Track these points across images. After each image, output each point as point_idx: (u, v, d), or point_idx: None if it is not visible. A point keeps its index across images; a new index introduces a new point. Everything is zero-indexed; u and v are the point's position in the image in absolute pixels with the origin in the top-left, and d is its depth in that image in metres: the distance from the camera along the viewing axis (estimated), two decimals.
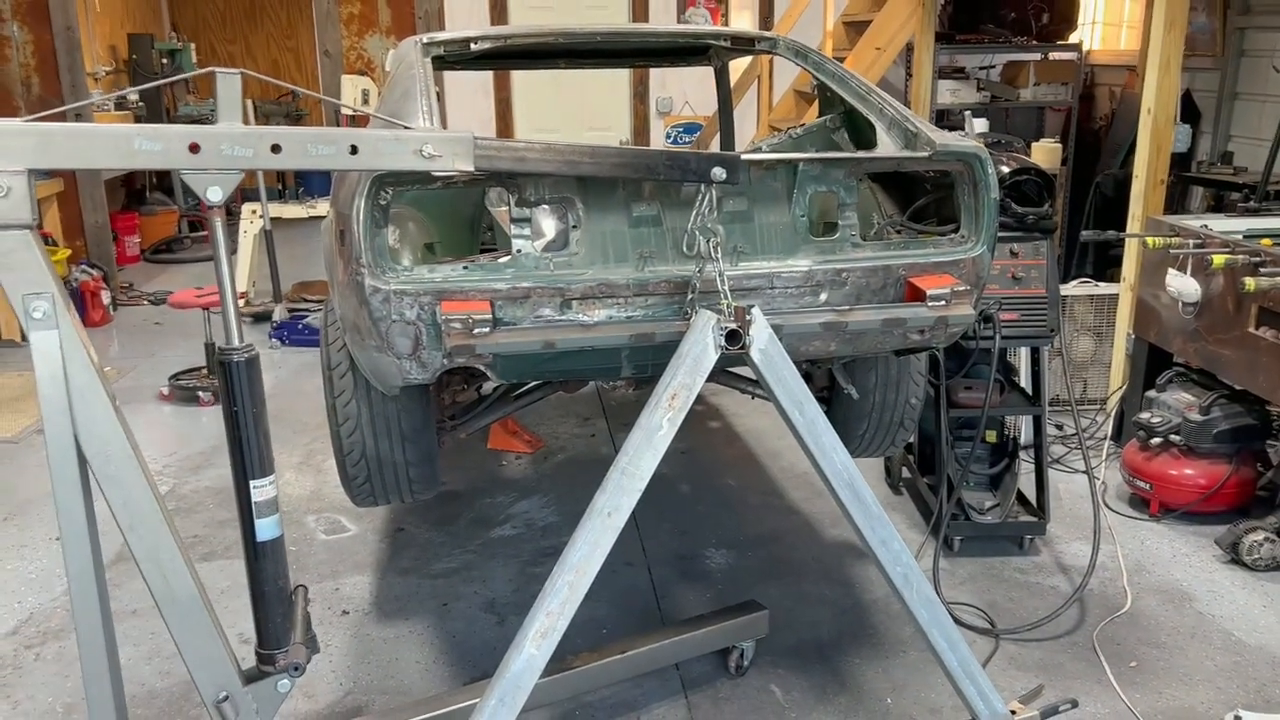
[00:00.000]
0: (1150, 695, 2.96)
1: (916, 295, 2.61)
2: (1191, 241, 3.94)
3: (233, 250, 7.43)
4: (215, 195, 1.91)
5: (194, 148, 1.87)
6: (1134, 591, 3.49)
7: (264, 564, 2.09)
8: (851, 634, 3.28)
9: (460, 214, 3.17)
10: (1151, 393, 4.17)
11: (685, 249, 2.49)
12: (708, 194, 2.40)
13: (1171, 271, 4.00)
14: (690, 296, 2.47)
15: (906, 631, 3.25)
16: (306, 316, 6.53)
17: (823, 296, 2.61)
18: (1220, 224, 4.17)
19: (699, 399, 5.41)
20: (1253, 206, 4.49)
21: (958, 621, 3.21)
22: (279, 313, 6.51)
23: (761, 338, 2.32)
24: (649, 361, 2.64)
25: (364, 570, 3.71)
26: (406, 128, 2.13)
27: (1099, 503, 3.53)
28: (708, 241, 2.41)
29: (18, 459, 4.74)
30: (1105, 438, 4.68)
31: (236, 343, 2.01)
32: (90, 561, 1.97)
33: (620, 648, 2.90)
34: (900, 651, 3.18)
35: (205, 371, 5.50)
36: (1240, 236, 3.92)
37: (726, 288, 2.35)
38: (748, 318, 2.30)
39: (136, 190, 9.77)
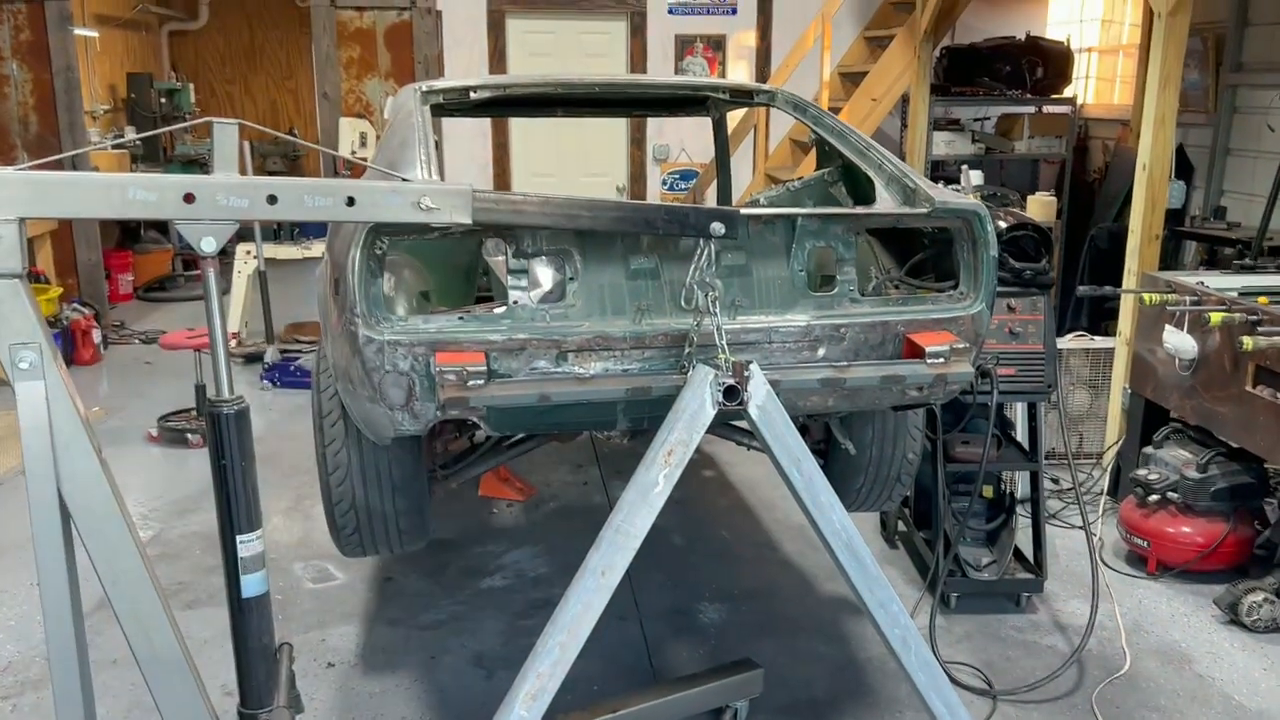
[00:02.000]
0: None
1: (915, 352, 2.59)
2: (1188, 298, 3.94)
3: (226, 290, 7.40)
4: (209, 246, 1.89)
5: (189, 198, 1.85)
6: (1133, 652, 3.44)
7: (249, 620, 2.04)
8: (847, 693, 3.22)
9: (457, 262, 3.15)
10: (1148, 449, 4.14)
11: (683, 303, 2.47)
12: (706, 248, 2.39)
13: (1168, 328, 4.00)
14: (688, 350, 2.45)
15: (903, 690, 3.19)
16: (299, 358, 6.49)
17: (821, 352, 2.59)
18: (1216, 281, 4.17)
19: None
20: (1248, 264, 4.50)
21: (955, 682, 3.16)
22: (271, 354, 6.47)
23: (759, 394, 2.30)
24: (645, 415, 2.61)
25: (351, 620, 3.64)
26: (404, 179, 2.12)
27: (1097, 561, 3.49)
28: (705, 296, 2.39)
29: (2, 500, 4.67)
30: (1102, 493, 4.65)
31: (227, 394, 1.98)
32: (69, 616, 1.92)
33: (611, 706, 2.84)
34: (896, 711, 3.13)
35: (194, 413, 5.45)
36: (1236, 294, 3.92)
37: (724, 342, 2.33)
38: (746, 374, 2.28)
39: (131, 228, 9.76)
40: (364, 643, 3.50)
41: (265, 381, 6.37)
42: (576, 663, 2.23)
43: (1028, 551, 3.83)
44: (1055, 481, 4.78)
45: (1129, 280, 4.61)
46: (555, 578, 3.95)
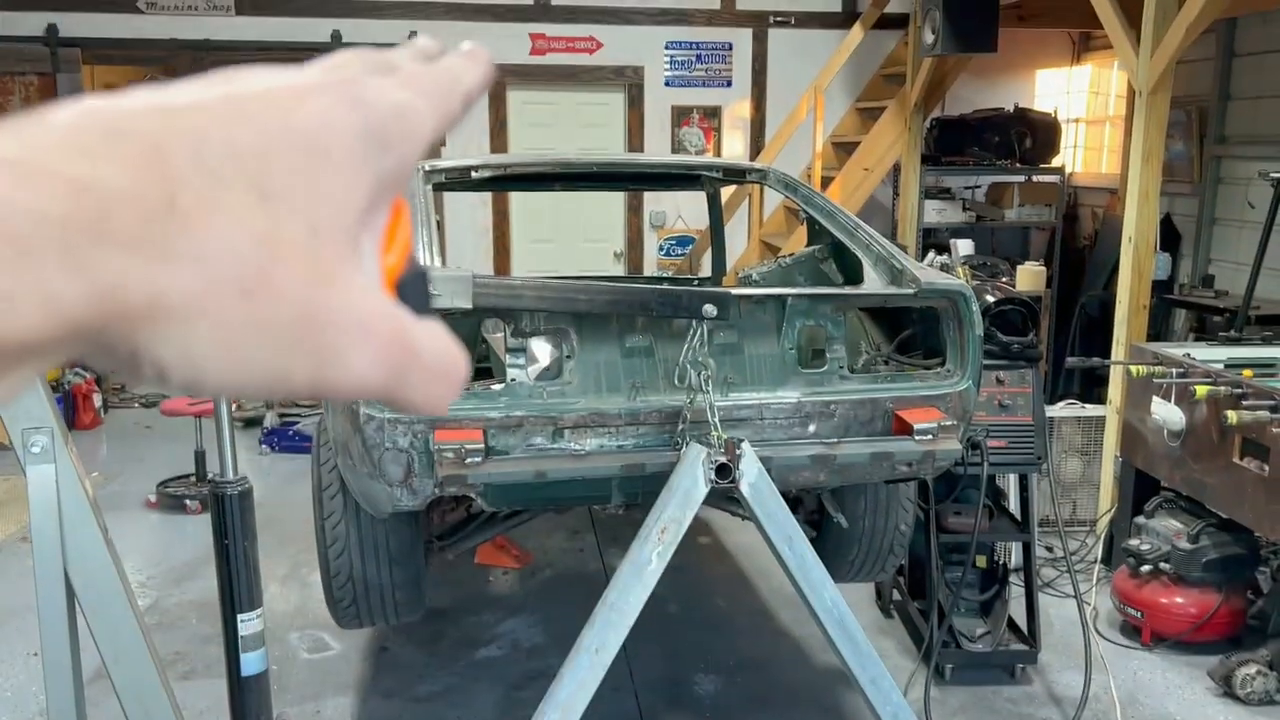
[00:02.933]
0: None
1: (904, 428, 2.65)
2: (1174, 370, 4.00)
3: None
4: None
5: None
6: None
7: (248, 698, 2.07)
8: None
9: (455, 334, 3.22)
10: (1140, 519, 4.18)
11: (677, 381, 2.53)
12: (699, 329, 2.46)
13: (1156, 399, 4.06)
14: (681, 427, 2.51)
15: None
16: (297, 423, 6.53)
17: (811, 428, 2.65)
18: (1202, 353, 4.24)
19: None
20: (1234, 336, 4.57)
21: None
22: (270, 419, 6.52)
23: (751, 472, 2.35)
24: (639, 490, 2.66)
25: (346, 692, 3.64)
26: None
27: (1090, 632, 3.51)
28: (699, 375, 2.45)
29: (1, 565, 4.69)
30: (1095, 561, 4.67)
31: (231, 475, 2.02)
32: (71, 693, 1.95)
33: None
34: None
35: (194, 478, 5.48)
36: (1222, 365, 3.98)
37: (717, 419, 2.39)
38: (738, 452, 2.33)
39: None
40: (359, 715, 3.50)
41: (264, 446, 6.41)
42: None
43: (1021, 621, 3.85)
44: (1049, 549, 4.80)
45: (1117, 350, 4.68)
46: (551, 647, 3.95)
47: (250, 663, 2.04)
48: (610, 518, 5.34)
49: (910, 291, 2.70)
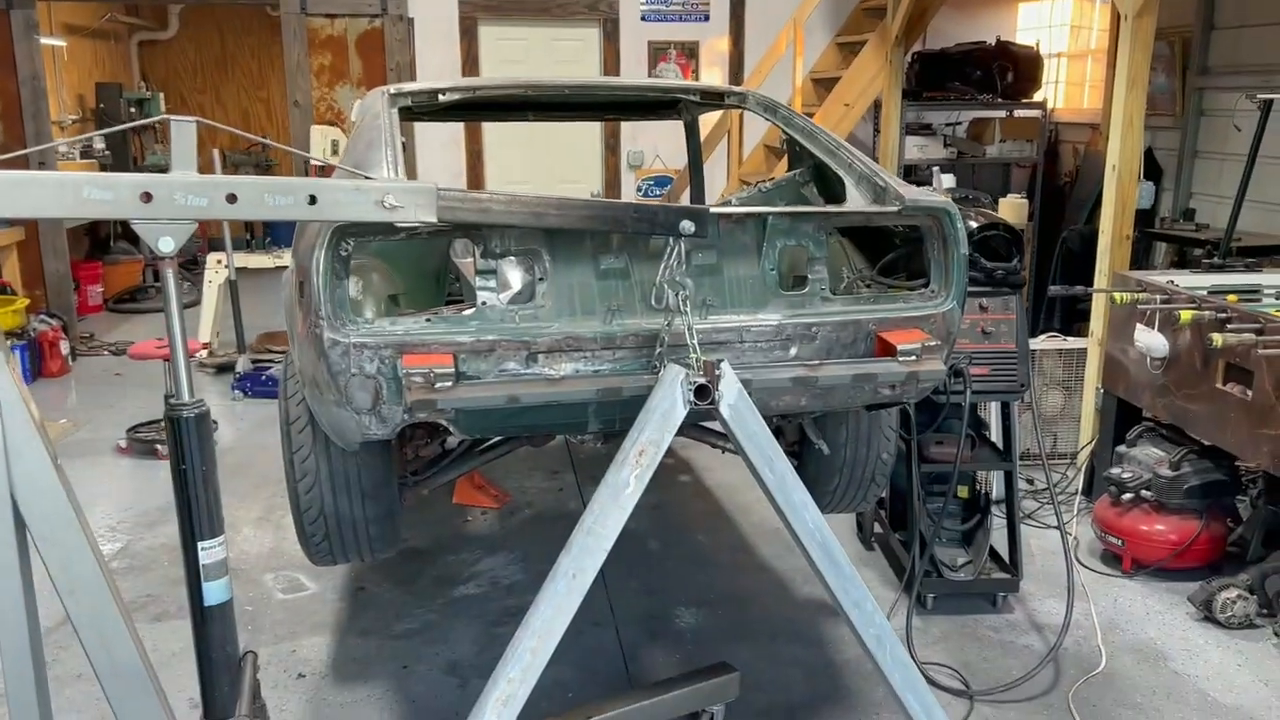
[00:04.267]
0: None
1: (887, 350, 2.58)
2: (1158, 297, 3.96)
3: (196, 300, 7.30)
4: (167, 246, 1.85)
5: (146, 197, 1.81)
6: (1108, 650, 3.43)
7: (211, 629, 2.00)
8: (824, 696, 3.20)
9: (426, 266, 3.12)
10: (1122, 448, 4.16)
11: (654, 302, 2.45)
12: (676, 247, 2.37)
13: (1139, 327, 4.01)
14: (659, 350, 2.43)
15: (879, 693, 3.18)
16: (270, 368, 6.42)
17: (792, 351, 2.58)
18: (1186, 280, 4.20)
19: (668, 452, 5.34)
20: (1217, 263, 4.53)
21: (931, 682, 3.14)
22: (242, 364, 6.40)
23: (731, 393, 2.28)
24: (616, 416, 2.59)
25: (322, 631, 3.59)
26: (368, 178, 2.09)
27: (1072, 560, 3.49)
28: (676, 295, 2.37)
29: None
30: (1076, 493, 4.66)
31: (187, 397, 1.93)
32: (25, 627, 1.87)
33: (586, 713, 2.80)
34: (873, 714, 3.11)
35: (165, 426, 5.37)
36: (1205, 292, 3.94)
37: (695, 341, 2.31)
38: (717, 373, 2.26)
39: (101, 239, 9.66)
40: (335, 653, 3.45)
41: (236, 391, 6.30)
42: (551, 669, 2.20)
43: (1003, 551, 3.83)
44: (1030, 482, 4.79)
45: (1100, 280, 4.64)
46: (530, 585, 3.90)
47: (213, 592, 1.96)
48: (589, 457, 5.29)
49: (894, 209, 2.62)
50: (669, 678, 3.13)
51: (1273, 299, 3.86)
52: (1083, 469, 4.73)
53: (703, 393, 2.25)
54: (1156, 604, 3.76)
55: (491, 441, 3.41)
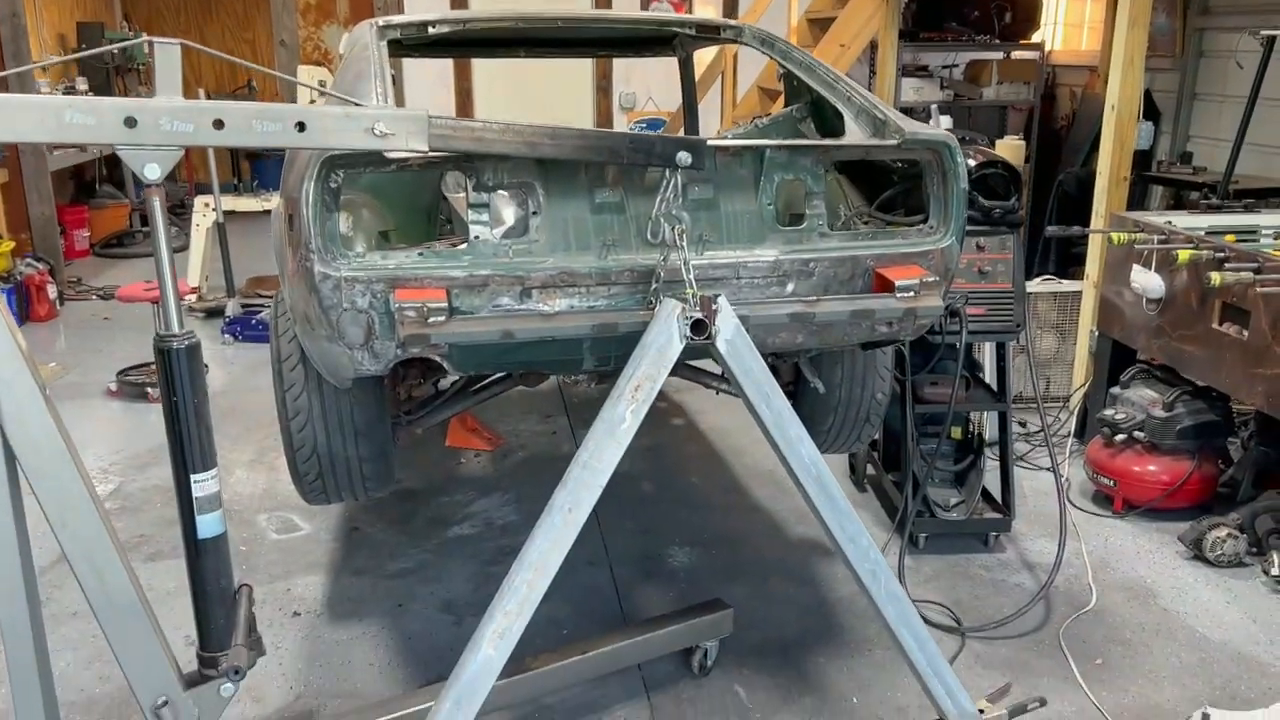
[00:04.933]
0: (1117, 693, 2.93)
1: (885, 286, 2.55)
2: (1156, 237, 3.93)
3: (184, 244, 7.22)
4: (153, 173, 1.81)
5: (130, 122, 1.76)
6: (1099, 588, 3.46)
7: (205, 562, 1.99)
8: (816, 633, 3.23)
9: (417, 202, 3.07)
10: (1115, 389, 4.16)
11: (649, 237, 2.41)
12: (672, 180, 2.33)
13: (1136, 267, 3.99)
14: (654, 286, 2.40)
15: (872, 630, 3.20)
16: (260, 312, 6.37)
17: (790, 287, 2.55)
18: (1184, 220, 4.17)
19: (662, 395, 5.35)
20: (1215, 204, 4.50)
21: (923, 619, 3.16)
22: (232, 308, 6.36)
23: (728, 328, 2.25)
24: (612, 353, 2.56)
25: (316, 570, 3.59)
26: (357, 104, 2.04)
27: (1064, 499, 3.51)
28: (672, 229, 2.33)
29: None
30: (1069, 435, 4.67)
31: (176, 329, 1.90)
32: (18, 563, 1.86)
33: (581, 648, 2.82)
34: (866, 650, 3.13)
35: (155, 367, 5.34)
36: (1203, 233, 3.92)
37: (692, 277, 2.28)
38: (714, 307, 2.23)
39: (86, 182, 9.53)
40: (330, 592, 3.46)
41: (226, 335, 6.26)
42: (545, 607, 2.20)
43: (996, 492, 3.84)
44: (1022, 425, 4.79)
45: (1097, 222, 4.60)
46: (524, 525, 3.91)
47: (206, 525, 1.95)
48: (582, 401, 5.28)
49: (894, 142, 2.58)
50: (663, 614, 3.15)
51: (1270, 239, 3.84)
52: (1075, 412, 4.73)
53: (699, 327, 2.23)
54: (1147, 543, 3.78)
55: (485, 382, 3.39)
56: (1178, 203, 6.08)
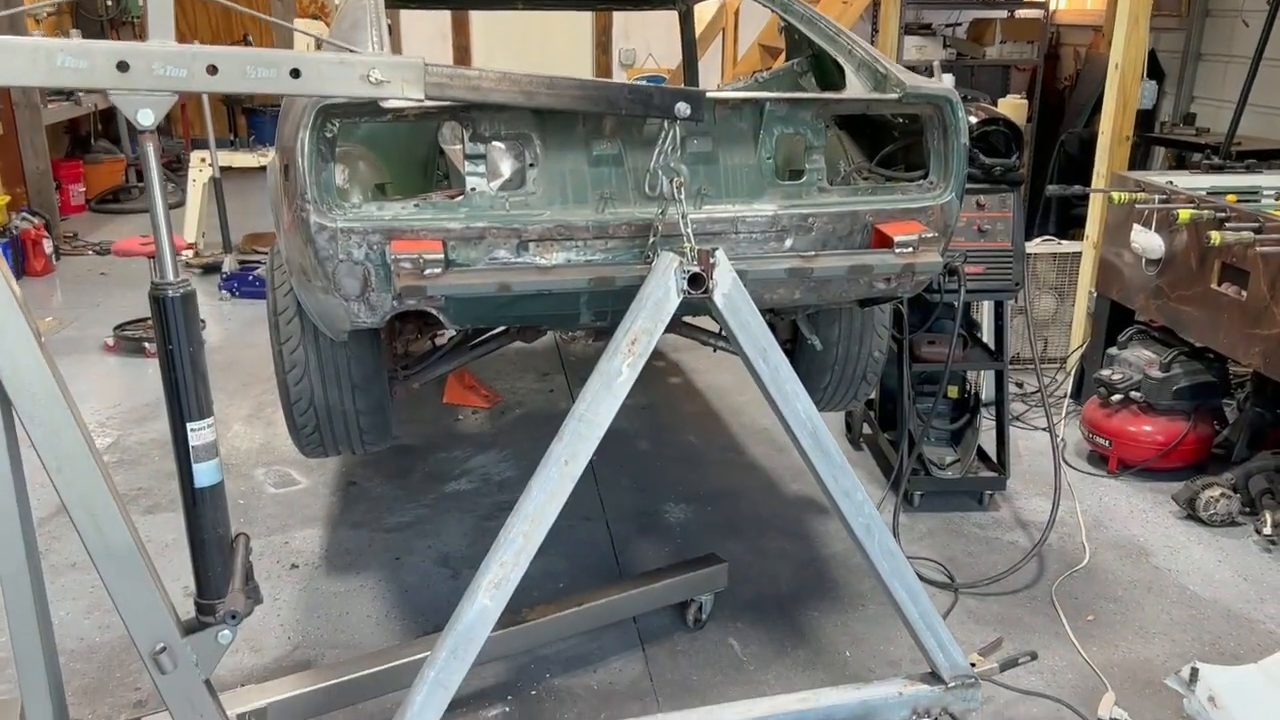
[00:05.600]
0: (1107, 648, 2.96)
1: (884, 242, 2.54)
2: (1157, 197, 3.91)
3: (181, 200, 7.17)
4: (146, 119, 1.78)
5: (123, 66, 1.74)
6: (1092, 547, 3.49)
7: (202, 511, 1.99)
8: (810, 588, 3.25)
9: (413, 155, 3.05)
10: (1113, 350, 4.16)
11: (647, 189, 2.40)
12: (671, 132, 2.31)
13: (1136, 227, 3.98)
14: (652, 240, 2.38)
15: (865, 585, 3.23)
16: (257, 268, 6.35)
17: (788, 242, 2.54)
18: (1185, 181, 4.14)
19: (658, 354, 5.35)
20: (1216, 164, 4.47)
21: (917, 575, 3.18)
22: (229, 264, 6.33)
23: (725, 282, 2.24)
24: (609, 308, 2.56)
25: (314, 524, 3.61)
26: (353, 51, 2.01)
27: (1059, 459, 3.52)
28: (670, 182, 2.32)
29: None
30: (1065, 396, 4.68)
31: (171, 277, 1.89)
32: (15, 510, 1.86)
33: (577, 600, 2.84)
34: (859, 605, 3.16)
35: (151, 322, 5.33)
36: (1204, 193, 3.89)
37: (690, 230, 2.27)
38: (711, 261, 2.22)
39: (81, 137, 9.45)
40: (327, 545, 3.48)
41: (223, 291, 6.24)
42: (542, 560, 2.22)
43: (991, 452, 3.86)
44: (1019, 385, 4.80)
45: (1098, 181, 4.58)
46: (521, 481, 3.88)
47: (203, 473, 1.95)
48: (579, 359, 5.28)
49: (895, 96, 2.55)
50: (658, 568, 3.17)
51: (1272, 200, 3.82)
52: (1072, 373, 4.74)
53: (696, 281, 2.22)
54: (1140, 503, 3.80)
55: (482, 337, 3.38)
56: (1180, 164, 6.03)
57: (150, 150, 1.84)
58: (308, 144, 2.21)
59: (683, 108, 2.22)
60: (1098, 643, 2.98)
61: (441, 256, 2.27)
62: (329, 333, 2.68)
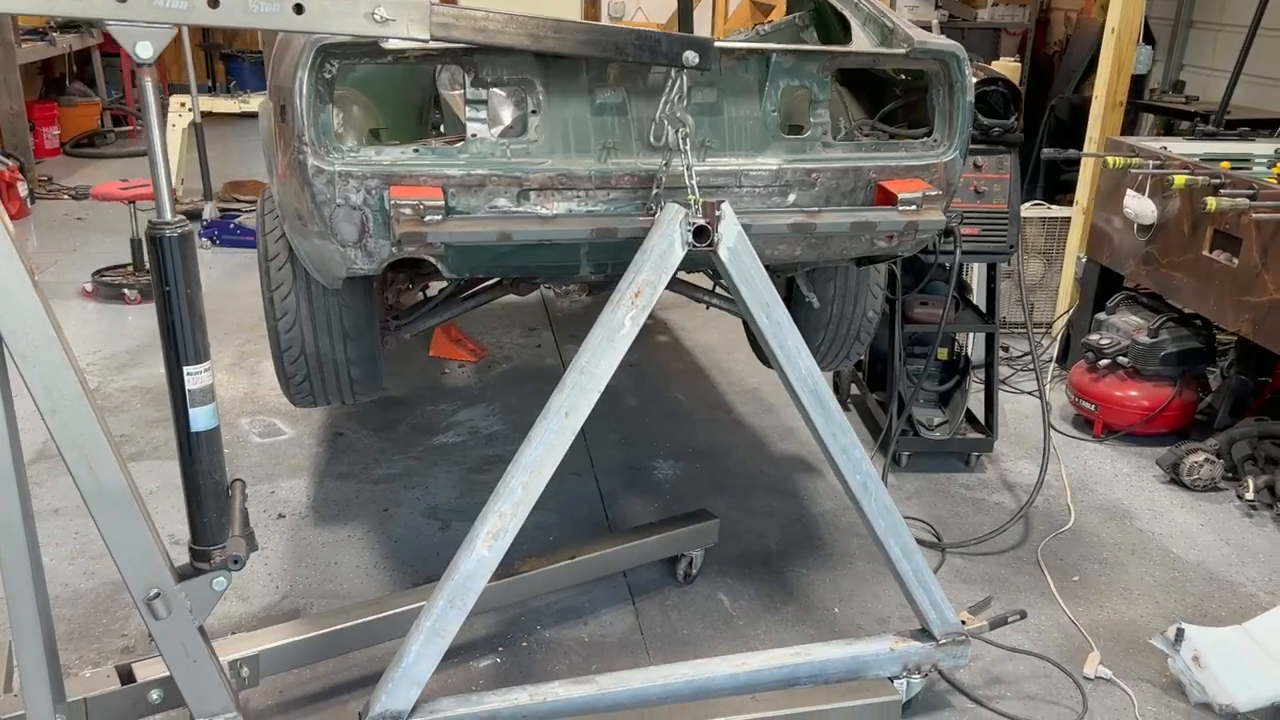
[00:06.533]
0: (1092, 608, 2.99)
1: (887, 199, 2.52)
2: (1152, 162, 3.91)
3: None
4: (145, 51, 1.73)
5: None
6: (1077, 509, 3.52)
7: (199, 456, 1.96)
8: (799, 545, 3.27)
9: (408, 100, 3.00)
10: (1101, 315, 4.18)
11: (651, 140, 2.36)
12: (677, 81, 2.27)
13: (1129, 193, 3.98)
14: (655, 191, 2.35)
15: (853, 543, 3.24)
16: (238, 216, 6.25)
17: (791, 197, 2.51)
18: (1178, 147, 4.14)
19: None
20: (1210, 131, 4.47)
21: None
22: (209, 211, 6.23)
23: (730, 235, 2.22)
24: (609, 260, 2.53)
25: (300, 474, 3.58)
26: None
27: (1047, 421, 3.54)
28: (676, 132, 2.28)
29: None
30: (1051, 360, 4.71)
31: (169, 217, 1.85)
32: (8, 452, 1.82)
33: (568, 553, 2.84)
34: (848, 563, 3.18)
35: (131, 268, 5.25)
36: (1198, 160, 3.90)
37: (694, 182, 2.24)
38: (717, 214, 2.20)
39: (56, 79, 9.24)
40: (314, 496, 3.45)
41: (204, 239, 6.14)
42: (532, 514, 2.20)
43: (979, 414, 3.87)
44: (1006, 349, 4.82)
45: (1091, 146, 4.58)
46: (509, 435, 3.91)
47: (200, 418, 1.92)
48: (567, 315, 5.25)
49: (903, 51, 2.52)
50: (649, 523, 3.17)
51: (1264, 168, 3.82)
52: (1058, 337, 4.76)
53: (701, 234, 2.20)
54: (1125, 467, 3.84)
55: (474, 289, 3.34)
56: (1168, 131, 6.03)
57: (149, 85, 1.79)
58: (306, 84, 2.15)
59: (691, 56, 2.18)
60: (1083, 603, 3.01)
61: (442, 203, 2.23)
62: (323, 280, 2.64)
